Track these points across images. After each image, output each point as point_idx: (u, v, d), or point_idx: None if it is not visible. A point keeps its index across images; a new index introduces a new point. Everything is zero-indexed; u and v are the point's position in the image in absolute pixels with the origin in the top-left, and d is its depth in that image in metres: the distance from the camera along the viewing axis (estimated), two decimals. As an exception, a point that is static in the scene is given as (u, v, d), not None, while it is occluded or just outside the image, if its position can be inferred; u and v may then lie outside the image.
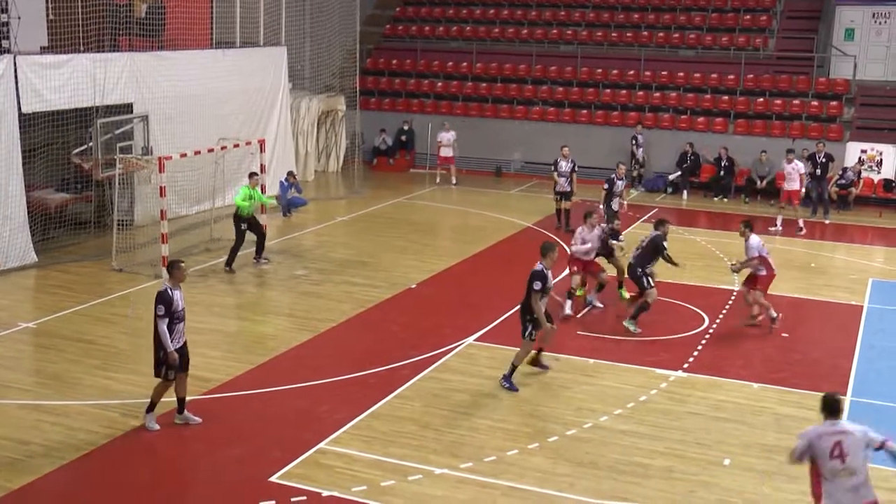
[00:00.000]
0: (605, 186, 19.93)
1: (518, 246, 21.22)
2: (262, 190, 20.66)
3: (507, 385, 12.88)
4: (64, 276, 17.76)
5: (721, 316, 16.29)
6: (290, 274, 18.35)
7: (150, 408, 11.42)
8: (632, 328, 15.17)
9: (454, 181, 28.00)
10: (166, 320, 11.14)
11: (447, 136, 28.17)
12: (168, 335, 11.16)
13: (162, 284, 11.44)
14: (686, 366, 13.84)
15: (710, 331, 15.45)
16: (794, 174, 22.46)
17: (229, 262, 18.39)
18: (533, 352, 13.35)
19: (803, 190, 23.07)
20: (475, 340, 14.75)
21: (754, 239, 15.75)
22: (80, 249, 19.50)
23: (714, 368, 13.83)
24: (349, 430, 11.52)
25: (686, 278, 18.28)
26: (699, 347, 14.57)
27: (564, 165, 22.28)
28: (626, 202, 21.12)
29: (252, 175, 19.00)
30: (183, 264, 11.71)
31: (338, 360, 13.85)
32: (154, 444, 11.11)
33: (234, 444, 11.01)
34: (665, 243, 15.55)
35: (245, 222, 18.46)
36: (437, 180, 28.34)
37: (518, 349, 13.05)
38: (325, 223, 22.84)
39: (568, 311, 15.83)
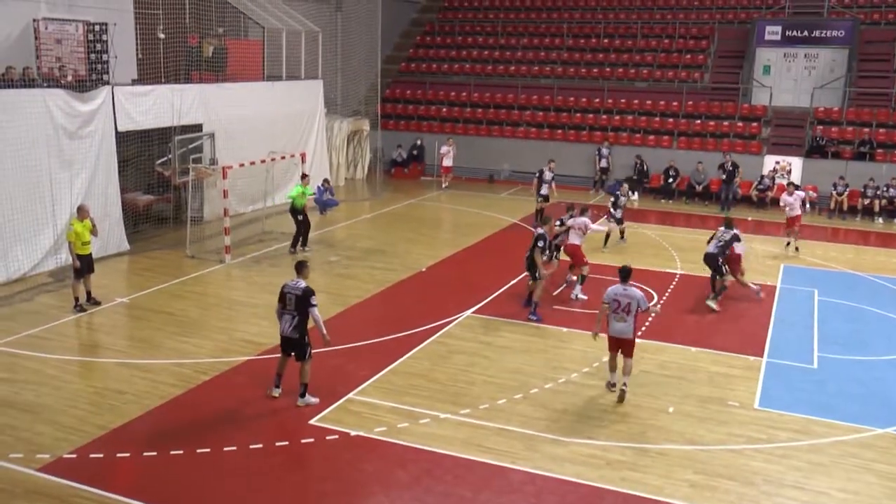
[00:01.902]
0: (612, 200, 20.45)
1: (507, 238, 21.22)
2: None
3: (536, 318, 13.84)
4: (149, 261, 17.79)
5: (666, 294, 16.28)
6: (326, 260, 18.37)
7: (304, 390, 10.74)
8: (713, 305, 15.30)
9: (444, 184, 28.02)
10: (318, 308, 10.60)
11: (447, 149, 28.34)
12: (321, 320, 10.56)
13: (300, 282, 10.70)
14: (640, 334, 13.78)
15: (658, 305, 15.45)
16: (796, 203, 20.24)
17: (294, 245, 18.52)
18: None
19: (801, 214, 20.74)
20: (473, 313, 14.76)
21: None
22: (161, 240, 19.51)
23: (661, 335, 13.85)
24: (372, 383, 11.57)
25: (642, 264, 18.30)
26: (650, 319, 14.57)
27: (549, 175, 22.37)
28: (625, 207, 20.97)
29: (304, 176, 19.11)
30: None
31: (363, 328, 13.89)
32: (217, 395, 11.15)
33: (284, 395, 11.05)
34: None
35: (300, 214, 18.57)
36: (444, 185, 28.22)
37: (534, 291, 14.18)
38: (353, 219, 22.84)
39: (582, 295, 15.66)
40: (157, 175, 19.73)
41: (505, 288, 16.25)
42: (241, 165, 18.94)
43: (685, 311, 15.26)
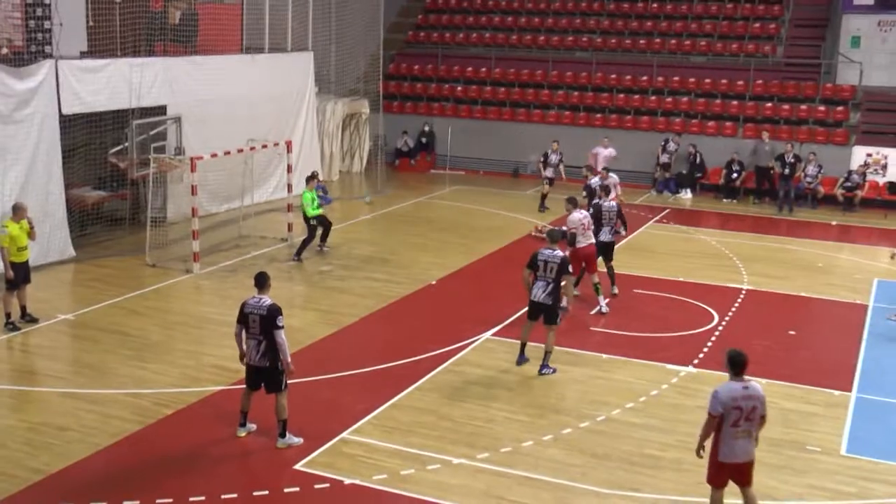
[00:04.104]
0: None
1: (533, 245, 21.10)
2: (289, 189, 20.80)
3: (551, 371, 13.10)
4: (100, 271, 17.81)
5: (730, 314, 16.15)
6: (316, 270, 18.34)
7: (283, 429, 10.67)
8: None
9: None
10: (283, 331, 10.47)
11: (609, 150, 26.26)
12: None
13: (264, 299, 10.58)
14: (696, 362, 13.74)
15: (720, 328, 15.32)
16: None
17: (300, 252, 18.84)
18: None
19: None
20: (492, 335, 14.69)
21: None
22: (115, 245, 19.55)
23: (723, 364, 13.64)
24: (371, 420, 11.50)
25: (698, 276, 18.19)
26: (709, 344, 14.46)
27: (554, 158, 24.68)
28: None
29: (311, 178, 19.19)
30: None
31: (361, 352, 13.83)
32: (182, 433, 11.10)
33: (261, 432, 10.99)
34: None
35: (314, 219, 18.84)
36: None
37: (547, 342, 13.20)
38: (348, 221, 22.83)
39: (605, 307, 15.83)
40: (111, 167, 19.79)
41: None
42: (214, 156, 18.97)
43: (752, 335, 15.11)
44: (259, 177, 22.46)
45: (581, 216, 16.03)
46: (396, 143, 30.90)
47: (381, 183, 27.38)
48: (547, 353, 13.21)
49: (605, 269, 16.71)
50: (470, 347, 14.12)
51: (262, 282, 10.85)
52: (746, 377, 8.94)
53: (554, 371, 13.16)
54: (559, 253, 13.00)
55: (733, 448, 8.78)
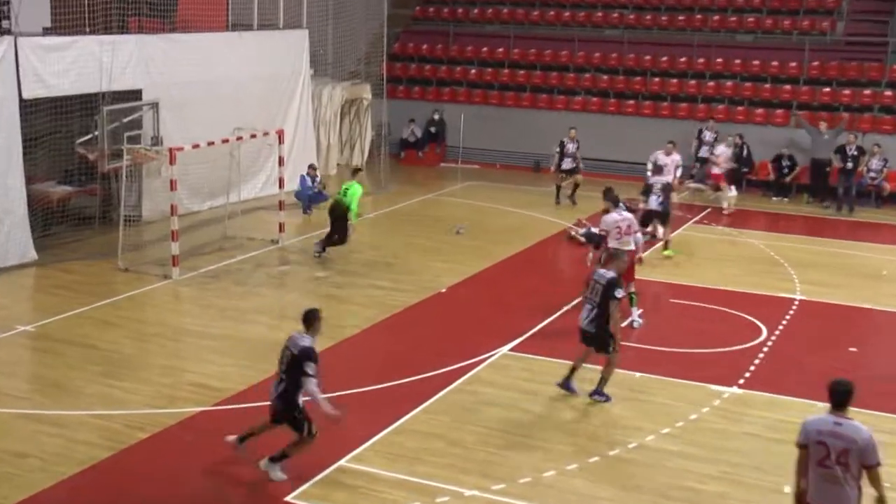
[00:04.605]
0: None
1: (556, 248, 21.11)
2: (280, 185, 20.83)
3: (603, 399, 12.89)
4: (66, 276, 17.84)
5: (781, 327, 16.09)
6: (311, 276, 18.35)
7: (280, 457, 10.61)
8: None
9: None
10: (316, 380, 10.27)
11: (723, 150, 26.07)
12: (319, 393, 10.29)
13: (304, 338, 10.44)
14: (742, 381, 13.68)
15: (769, 343, 15.26)
16: None
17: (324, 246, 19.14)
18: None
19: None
20: (510, 350, 14.66)
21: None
22: (83, 247, 19.58)
23: (773, 385, 13.66)
24: (372, 446, 11.48)
25: (746, 285, 18.12)
26: (756, 361, 14.40)
27: (572, 147, 25.30)
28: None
29: (357, 171, 19.42)
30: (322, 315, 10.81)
31: (360, 369, 13.83)
32: (158, 459, 11.10)
33: (249, 459, 10.96)
34: None
35: (344, 219, 18.88)
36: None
37: (604, 367, 12.98)
38: (347, 221, 22.83)
39: (639, 319, 15.83)
40: (79, 159, 19.82)
41: (555, 316, 16.16)
42: (196, 147, 18.97)
43: (806, 352, 15.07)
44: (247, 171, 22.49)
45: (619, 218, 15.77)
46: (402, 133, 30.95)
47: (384, 178, 27.38)
48: (602, 380, 13.01)
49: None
50: (484, 364, 14.10)
51: (308, 320, 10.60)
52: (848, 415, 8.37)
53: (607, 400, 12.94)
54: (609, 274, 12.72)
55: (822, 491, 8.26)
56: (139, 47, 20.73)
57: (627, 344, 15.09)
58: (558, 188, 25.33)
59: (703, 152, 27.31)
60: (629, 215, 16.10)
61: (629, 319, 15.76)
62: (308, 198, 23.39)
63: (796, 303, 17.40)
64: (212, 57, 22.66)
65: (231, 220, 21.03)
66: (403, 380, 13.40)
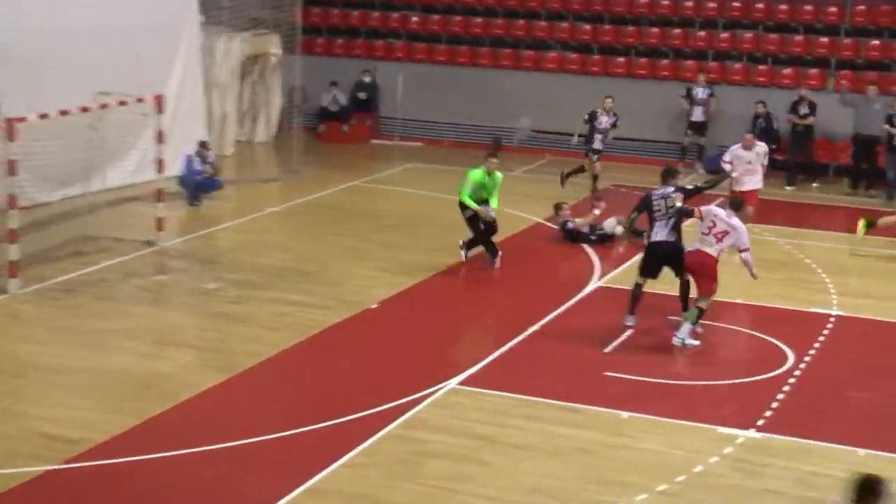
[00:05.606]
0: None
1: (524, 250, 21.11)
2: (159, 168, 20.67)
3: (693, 342, 14.95)
4: None
5: (812, 351, 16.22)
6: (197, 287, 18.24)
7: None
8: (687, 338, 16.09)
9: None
10: None
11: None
12: None
13: None
14: (762, 423, 13.75)
15: (797, 372, 15.37)
16: None
17: (492, 253, 19.86)
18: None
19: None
20: (459, 384, 14.64)
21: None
22: None
23: (802, 427, 13.74)
24: (277, 512, 11.42)
25: (762, 297, 18.22)
26: (780, 396, 14.47)
27: (606, 120, 24.72)
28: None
29: (492, 155, 20.08)
30: None
31: (263, 411, 13.76)
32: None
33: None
34: None
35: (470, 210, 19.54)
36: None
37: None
38: (248, 216, 22.82)
39: (691, 341, 16.11)
40: None
41: (517, 340, 16.22)
42: (44, 117, 18.81)
43: (846, 383, 15.19)
44: (114, 150, 22.29)
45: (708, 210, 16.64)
46: (321, 100, 31.01)
47: (297, 159, 27.31)
48: (695, 310, 15.22)
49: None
50: (427, 402, 14.05)
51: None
52: None
53: (697, 342, 15.05)
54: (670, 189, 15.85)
55: None
56: (-30, -14, 20.57)
57: (611, 374, 15.16)
58: (594, 178, 24.85)
59: (699, 115, 27.62)
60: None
61: (678, 337, 16.01)
62: (196, 185, 23.24)
63: (832, 320, 17.55)
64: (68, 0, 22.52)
65: (92, 216, 20.93)
66: (320, 424, 13.31)
